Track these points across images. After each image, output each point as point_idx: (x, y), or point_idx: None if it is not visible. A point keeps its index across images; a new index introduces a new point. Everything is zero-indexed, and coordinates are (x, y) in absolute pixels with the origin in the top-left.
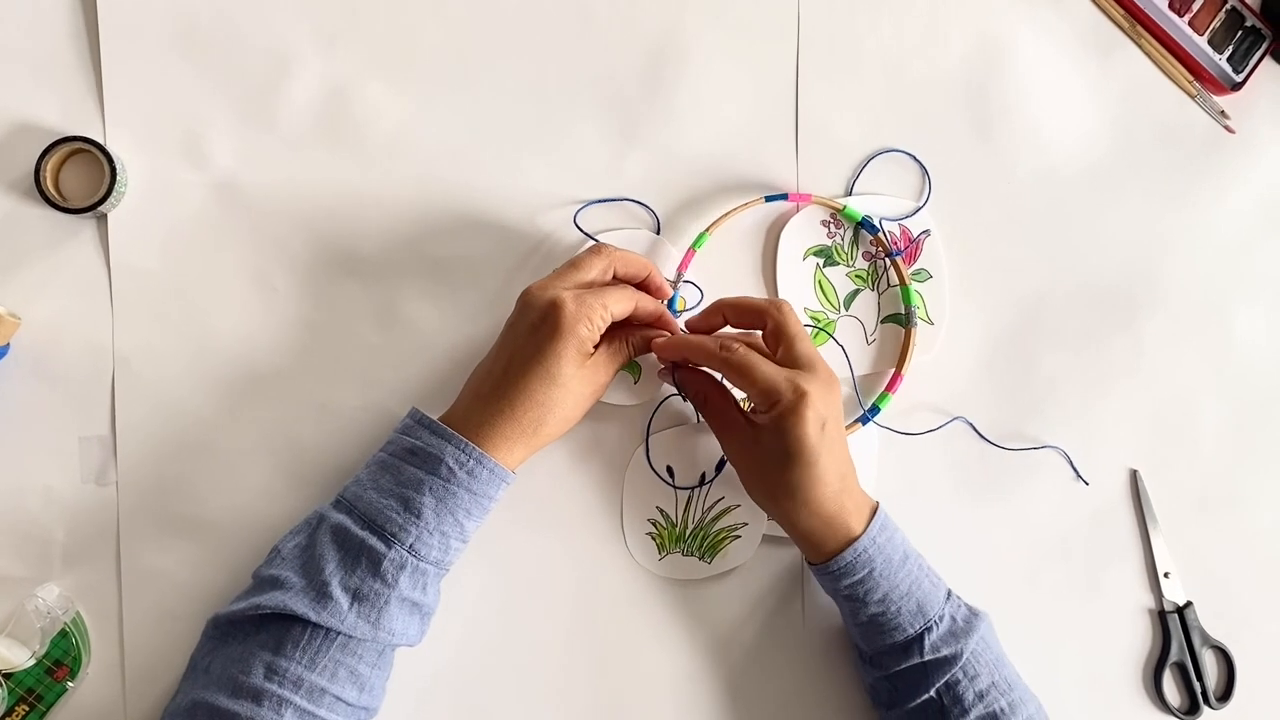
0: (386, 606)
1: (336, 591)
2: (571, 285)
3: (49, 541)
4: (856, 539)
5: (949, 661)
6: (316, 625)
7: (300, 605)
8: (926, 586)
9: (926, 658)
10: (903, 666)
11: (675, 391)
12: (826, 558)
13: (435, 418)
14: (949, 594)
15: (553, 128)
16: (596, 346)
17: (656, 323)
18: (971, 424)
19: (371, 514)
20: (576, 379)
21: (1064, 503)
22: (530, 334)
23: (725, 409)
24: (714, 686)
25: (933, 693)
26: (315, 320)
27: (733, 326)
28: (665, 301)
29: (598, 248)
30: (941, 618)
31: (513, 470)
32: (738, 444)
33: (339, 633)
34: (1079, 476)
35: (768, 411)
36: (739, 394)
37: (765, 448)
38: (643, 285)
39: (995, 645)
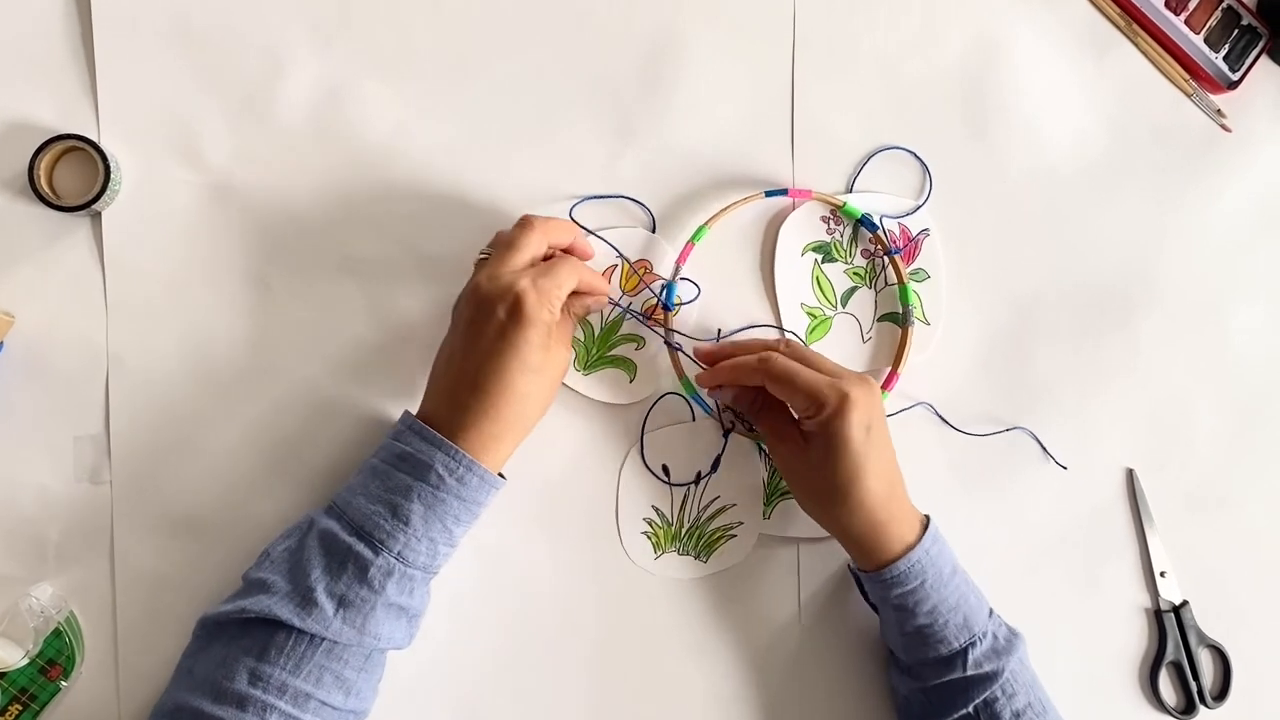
0: (373, 612)
1: (321, 597)
2: (518, 268)
3: (43, 540)
4: (911, 549)
5: (990, 678)
6: (301, 631)
7: (284, 611)
8: (973, 601)
9: (969, 673)
10: (943, 680)
11: (669, 392)
12: (879, 566)
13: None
14: (991, 612)
15: (549, 126)
16: None
17: (593, 290)
18: (935, 409)
19: (360, 520)
20: (549, 362)
21: (1060, 502)
22: (499, 331)
23: (778, 417)
24: (709, 685)
25: (970, 709)
26: (309, 319)
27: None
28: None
29: (527, 220)
30: (985, 634)
31: (500, 467)
32: (789, 453)
33: (323, 638)
34: (1052, 459)
35: (814, 417)
36: None
37: (814, 454)
38: (568, 248)
39: (1031, 667)
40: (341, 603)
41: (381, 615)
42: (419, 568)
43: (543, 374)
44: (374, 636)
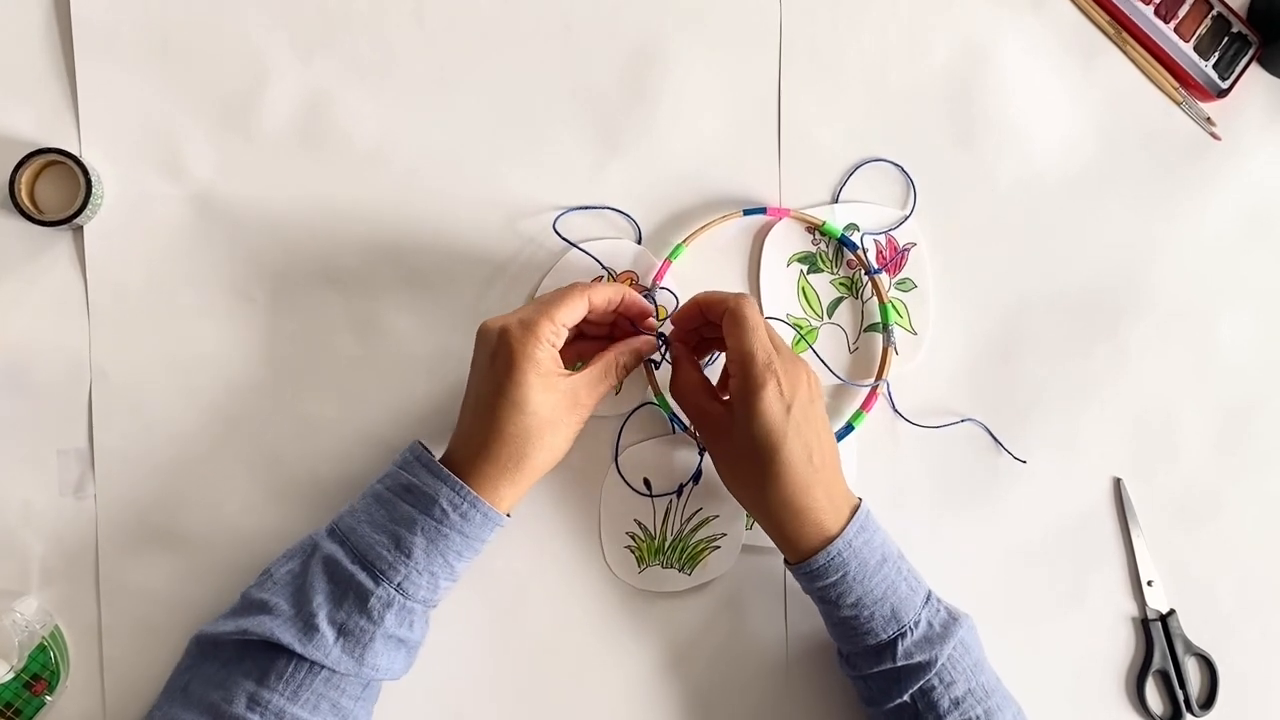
0: (371, 643)
1: (323, 625)
2: (530, 312)
3: (27, 555)
4: (831, 541)
5: (923, 668)
6: (301, 657)
7: (286, 635)
8: (904, 591)
9: (899, 663)
10: (876, 670)
11: (646, 403)
12: (802, 558)
13: (433, 451)
14: (928, 598)
15: (533, 137)
16: (579, 362)
17: (621, 308)
18: (890, 396)
19: (363, 549)
20: (547, 404)
21: (1048, 510)
22: (489, 370)
23: (701, 393)
24: (697, 698)
25: (906, 698)
26: (294, 332)
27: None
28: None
29: (573, 285)
30: (917, 623)
31: (506, 512)
32: (713, 429)
33: (323, 666)
34: (1009, 453)
35: (735, 376)
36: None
37: (738, 429)
38: (621, 309)
39: (975, 649)
40: (342, 631)
41: (380, 647)
42: (419, 601)
43: (537, 416)
44: (372, 667)
